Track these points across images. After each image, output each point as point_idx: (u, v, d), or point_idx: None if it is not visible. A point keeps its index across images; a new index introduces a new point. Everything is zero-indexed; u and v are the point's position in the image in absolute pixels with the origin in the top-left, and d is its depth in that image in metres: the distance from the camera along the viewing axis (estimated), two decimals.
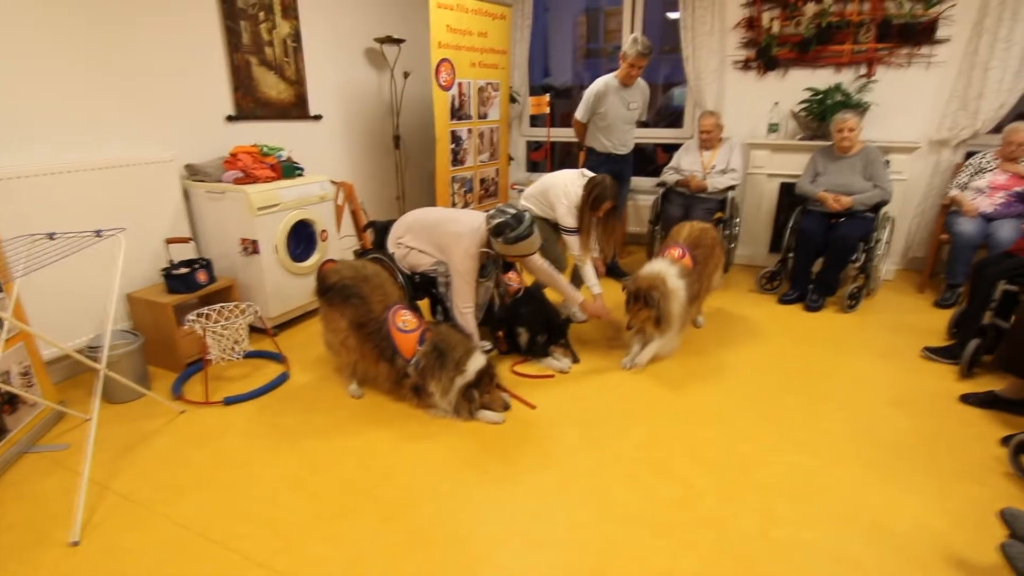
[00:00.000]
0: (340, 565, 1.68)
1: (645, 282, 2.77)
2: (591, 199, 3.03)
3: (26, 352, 2.33)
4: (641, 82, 3.94)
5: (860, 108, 4.00)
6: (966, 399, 2.53)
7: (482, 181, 4.81)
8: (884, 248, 3.68)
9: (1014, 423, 2.36)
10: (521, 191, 3.52)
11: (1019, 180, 3.50)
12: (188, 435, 2.37)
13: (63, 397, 2.58)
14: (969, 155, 3.90)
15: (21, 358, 2.31)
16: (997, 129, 3.80)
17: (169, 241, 3.02)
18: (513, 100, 5.20)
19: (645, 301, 2.75)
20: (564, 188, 3.15)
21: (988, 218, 3.55)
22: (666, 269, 2.82)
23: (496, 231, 2.56)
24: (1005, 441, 2.19)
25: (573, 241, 3.17)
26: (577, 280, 3.64)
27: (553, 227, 3.35)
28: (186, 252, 3.12)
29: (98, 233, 2.22)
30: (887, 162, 3.72)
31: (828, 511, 1.88)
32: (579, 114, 3.96)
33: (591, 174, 3.14)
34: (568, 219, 3.14)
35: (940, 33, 3.90)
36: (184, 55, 3.19)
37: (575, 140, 4.27)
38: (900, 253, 4.35)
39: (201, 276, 2.95)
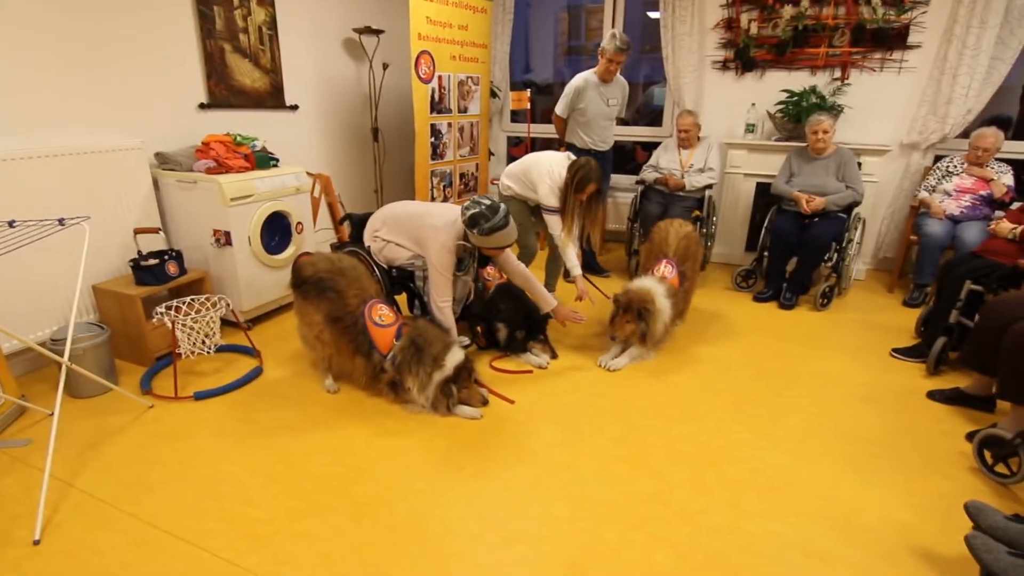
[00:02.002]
0: (312, 563, 1.65)
1: (637, 295, 2.80)
2: (575, 181, 3.02)
3: None
4: (620, 79, 3.96)
5: (834, 111, 4.07)
6: (933, 396, 2.60)
7: (461, 176, 4.78)
8: (856, 248, 3.75)
9: (979, 419, 2.43)
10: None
11: (984, 184, 3.60)
12: (156, 431, 2.30)
13: (25, 391, 2.49)
14: (938, 159, 4.01)
15: None
16: (965, 134, 3.91)
17: (137, 231, 2.93)
18: (494, 95, 5.17)
19: (638, 314, 2.78)
20: (548, 168, 3.15)
21: (955, 220, 3.65)
22: (655, 287, 2.85)
23: (471, 222, 2.53)
24: (970, 436, 2.25)
25: (554, 221, 3.17)
26: (552, 273, 3.66)
27: (531, 211, 3.35)
28: (156, 243, 3.03)
29: (61, 222, 2.14)
30: (859, 164, 3.80)
31: (798, 505, 1.91)
32: (559, 109, 3.97)
33: (575, 157, 3.14)
34: (550, 199, 3.13)
35: (912, 39, 3.99)
36: (155, 41, 3.09)
37: (555, 136, 4.27)
38: (871, 253, 4.45)
39: (171, 268, 2.88)
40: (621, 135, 4.60)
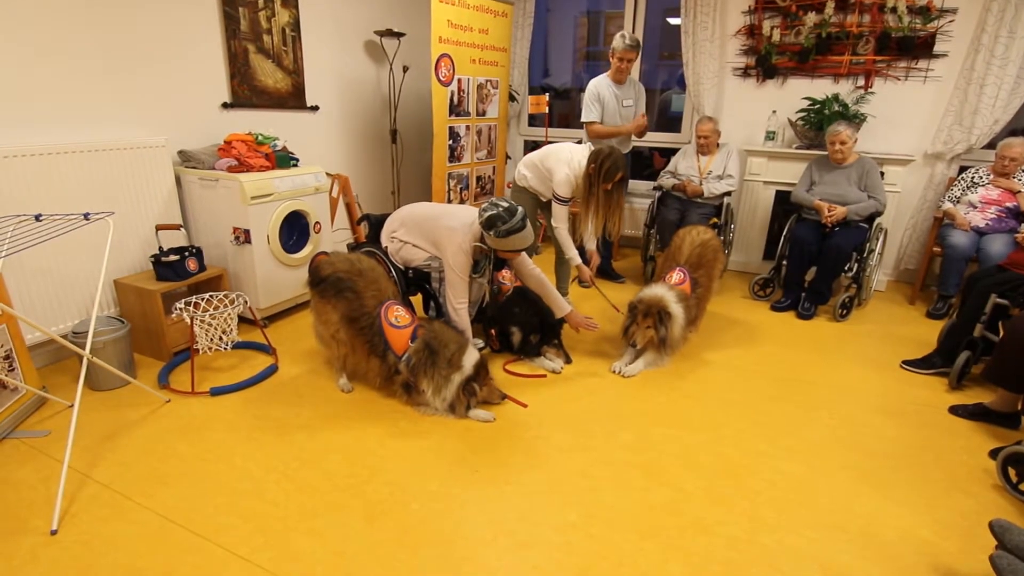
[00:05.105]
0: (324, 561, 1.65)
1: (654, 300, 2.80)
2: (602, 171, 2.98)
3: (8, 335, 2.28)
4: (634, 79, 3.95)
5: (857, 120, 4.02)
6: (955, 411, 2.55)
7: (478, 179, 4.79)
8: (877, 259, 3.70)
9: (1003, 435, 2.38)
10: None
11: (1010, 196, 3.53)
12: (173, 425, 2.33)
13: (45, 383, 2.53)
14: (963, 169, 3.94)
15: (3, 341, 2.26)
16: (991, 145, 3.84)
17: (159, 228, 2.97)
18: (512, 99, 5.18)
19: (659, 318, 2.77)
20: (568, 156, 3.13)
21: (980, 232, 3.58)
22: (666, 294, 2.84)
23: (488, 224, 2.53)
24: (994, 453, 2.20)
25: (561, 212, 3.17)
26: (562, 277, 3.65)
27: (539, 207, 3.34)
28: (176, 239, 3.07)
29: (86, 216, 2.18)
30: (882, 173, 3.74)
31: (816, 519, 1.88)
32: (592, 116, 3.84)
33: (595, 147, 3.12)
34: (564, 187, 3.11)
35: (938, 48, 3.93)
36: (181, 40, 3.14)
37: (573, 141, 4.24)
38: (892, 264, 4.39)
39: (191, 264, 2.91)
40: (639, 141, 4.56)
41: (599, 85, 3.82)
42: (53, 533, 1.73)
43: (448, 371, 2.34)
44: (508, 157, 5.29)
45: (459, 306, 2.67)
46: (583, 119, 3.91)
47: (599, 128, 3.86)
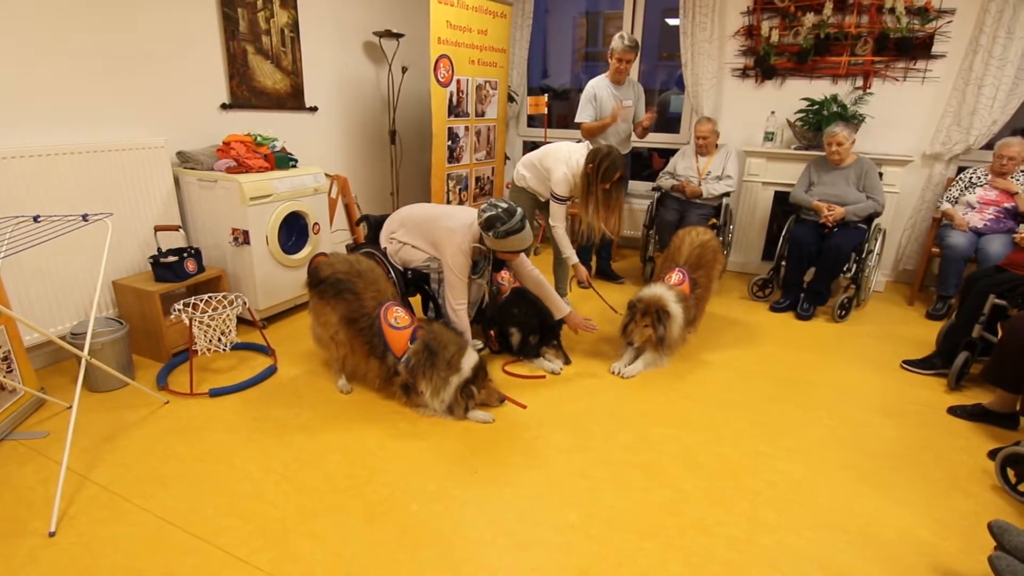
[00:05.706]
0: (324, 563, 1.65)
1: (653, 299, 2.80)
2: (601, 171, 2.98)
3: (7, 336, 2.27)
4: (633, 80, 3.96)
5: (855, 121, 4.02)
6: (954, 411, 2.55)
7: (477, 179, 4.79)
8: (875, 259, 3.70)
9: (1001, 436, 2.38)
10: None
11: (1008, 196, 3.54)
12: (171, 426, 2.32)
13: (44, 384, 2.52)
14: (961, 170, 3.95)
15: (2, 342, 2.25)
16: (989, 145, 3.84)
17: (158, 228, 2.97)
18: (511, 99, 5.18)
19: (658, 316, 2.77)
20: (567, 155, 3.14)
21: (978, 233, 3.59)
22: (665, 294, 2.85)
23: (487, 224, 2.53)
24: (992, 454, 2.20)
25: (559, 210, 3.18)
26: (560, 277, 3.65)
27: (538, 207, 3.34)
28: (175, 240, 3.07)
29: (84, 217, 2.18)
30: (880, 174, 3.75)
31: (816, 519, 1.88)
32: (585, 117, 3.84)
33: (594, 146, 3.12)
34: (561, 186, 3.11)
35: (936, 49, 3.94)
36: (180, 41, 3.14)
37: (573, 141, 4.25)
38: (891, 265, 4.39)
39: (190, 265, 2.91)
40: (638, 142, 4.57)
41: (597, 86, 3.83)
42: (52, 535, 1.73)
43: (447, 373, 2.34)
44: (507, 158, 5.28)
45: (458, 307, 2.66)
46: (576, 120, 3.91)
47: (589, 125, 3.85)
